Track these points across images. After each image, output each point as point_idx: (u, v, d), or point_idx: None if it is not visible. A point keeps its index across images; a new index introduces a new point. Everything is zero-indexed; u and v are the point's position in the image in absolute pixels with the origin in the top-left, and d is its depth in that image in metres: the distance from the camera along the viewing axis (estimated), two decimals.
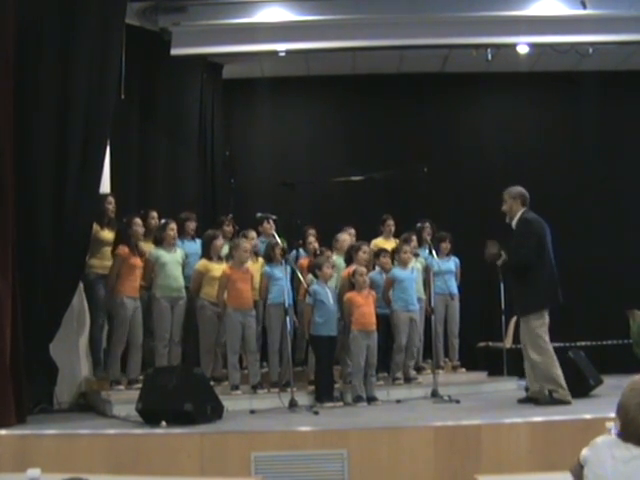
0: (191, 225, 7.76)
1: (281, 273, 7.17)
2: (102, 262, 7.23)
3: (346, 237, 8.11)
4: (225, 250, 7.56)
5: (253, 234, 7.76)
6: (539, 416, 5.76)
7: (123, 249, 7.12)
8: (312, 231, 8.26)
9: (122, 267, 7.10)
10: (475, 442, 5.36)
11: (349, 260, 7.62)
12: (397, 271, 7.73)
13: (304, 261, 7.92)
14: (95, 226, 7.09)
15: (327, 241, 8.17)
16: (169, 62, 9.02)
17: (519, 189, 6.87)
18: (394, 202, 9.78)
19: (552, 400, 6.42)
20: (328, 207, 10.19)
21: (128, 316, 7.01)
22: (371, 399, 7.05)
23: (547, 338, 6.56)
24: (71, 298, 6.73)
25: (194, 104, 9.82)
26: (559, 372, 6.52)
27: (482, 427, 5.48)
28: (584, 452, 2.85)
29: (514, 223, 6.81)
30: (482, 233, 10.19)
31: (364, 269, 7.31)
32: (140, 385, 6.45)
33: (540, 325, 6.55)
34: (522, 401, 6.77)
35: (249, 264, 7.34)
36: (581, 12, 8.64)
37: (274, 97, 10.74)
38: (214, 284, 7.20)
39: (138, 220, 7.28)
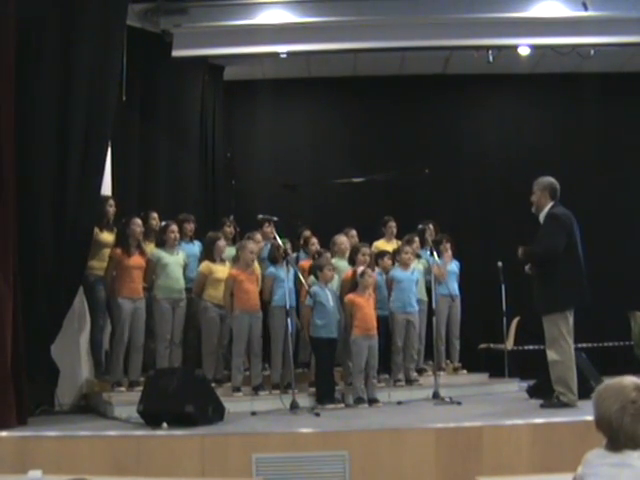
0: (189, 227, 7.73)
1: (285, 275, 7.15)
2: (101, 264, 7.21)
3: (343, 239, 8.05)
4: (227, 252, 7.56)
5: (259, 237, 7.72)
6: (540, 418, 5.75)
7: (116, 250, 7.12)
8: (307, 233, 8.29)
9: (117, 268, 7.10)
10: (476, 444, 5.34)
11: (353, 262, 7.60)
12: (397, 272, 7.73)
13: (305, 263, 7.91)
14: (94, 228, 7.07)
15: (328, 243, 8.16)
16: (170, 64, 9.02)
17: (549, 180, 6.53)
18: (395, 204, 9.77)
19: (559, 404, 6.31)
20: (329, 209, 10.20)
21: (125, 317, 6.99)
22: (372, 401, 7.04)
23: (570, 340, 6.33)
24: (72, 300, 6.72)
25: (195, 106, 9.83)
26: (574, 377, 6.36)
27: (483, 429, 5.46)
28: (579, 471, 2.76)
29: (541, 216, 6.48)
30: (483, 235, 10.32)
31: (371, 270, 7.30)
32: (141, 387, 6.45)
33: (563, 325, 6.30)
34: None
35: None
36: (582, 14, 8.65)
37: (275, 99, 10.74)
38: (217, 286, 7.20)
39: (137, 220, 7.24)
